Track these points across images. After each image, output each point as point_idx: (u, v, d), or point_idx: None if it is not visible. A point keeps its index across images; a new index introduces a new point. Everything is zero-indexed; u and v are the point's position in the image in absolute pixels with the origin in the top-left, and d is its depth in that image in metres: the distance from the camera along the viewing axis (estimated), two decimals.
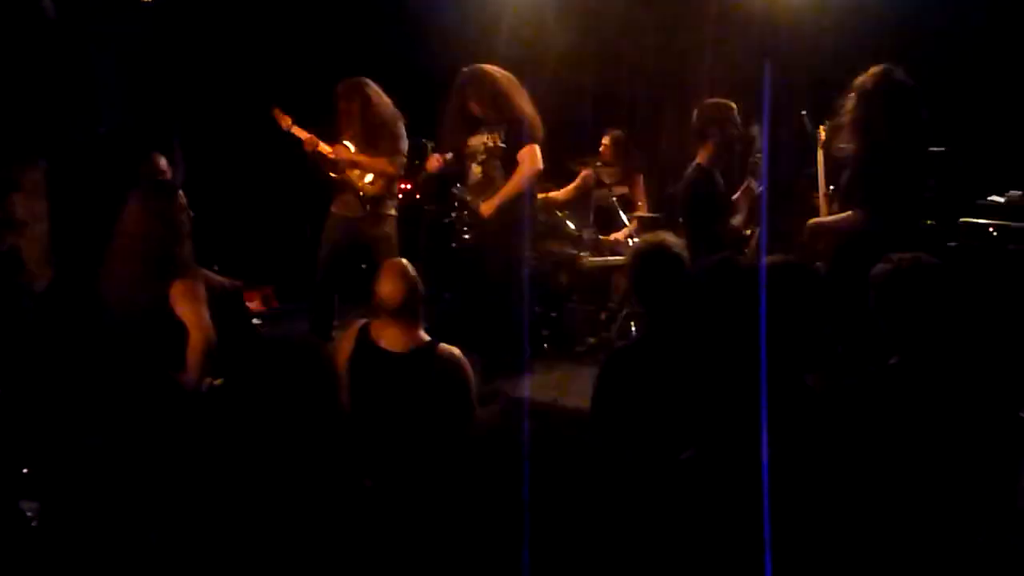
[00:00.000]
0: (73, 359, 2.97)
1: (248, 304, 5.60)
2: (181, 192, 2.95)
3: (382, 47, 6.63)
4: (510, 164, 4.55)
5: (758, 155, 4.48)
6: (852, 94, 3.64)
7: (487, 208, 4.55)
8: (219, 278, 4.06)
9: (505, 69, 4.66)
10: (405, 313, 2.78)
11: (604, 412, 2.44)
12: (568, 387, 4.72)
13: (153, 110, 5.32)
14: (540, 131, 4.57)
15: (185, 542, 1.88)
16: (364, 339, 2.80)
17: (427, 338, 2.86)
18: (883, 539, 2.20)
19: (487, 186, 4.59)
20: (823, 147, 4.16)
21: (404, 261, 2.93)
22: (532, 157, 4.53)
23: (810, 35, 5.84)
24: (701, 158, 4.24)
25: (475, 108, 4.57)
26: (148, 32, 5.18)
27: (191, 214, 2.94)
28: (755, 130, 4.41)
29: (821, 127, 4.25)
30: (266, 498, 1.78)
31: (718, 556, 1.29)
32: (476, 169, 4.65)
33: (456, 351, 2.86)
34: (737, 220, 4.36)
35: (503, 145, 4.54)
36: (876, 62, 5.44)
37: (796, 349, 2.00)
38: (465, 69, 4.61)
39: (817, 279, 2.23)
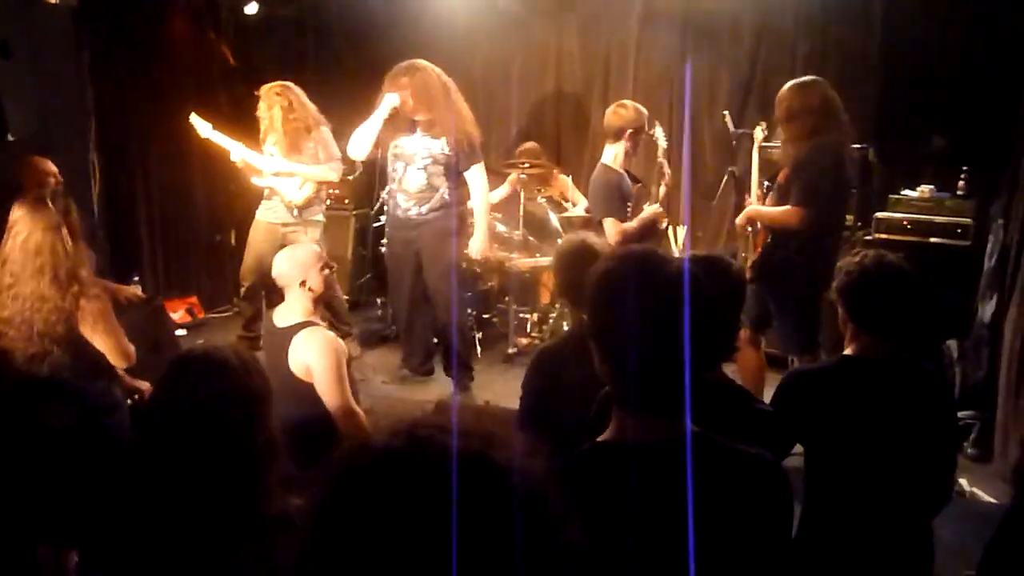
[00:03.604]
0: None
1: (172, 315, 5.46)
2: (70, 200, 2.74)
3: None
4: (453, 176, 4.44)
5: (660, 159, 4.59)
6: (790, 99, 3.75)
7: (483, 254, 4.65)
8: (129, 289, 3.91)
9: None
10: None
11: (531, 410, 2.45)
12: (499, 389, 4.72)
13: (68, 116, 5.13)
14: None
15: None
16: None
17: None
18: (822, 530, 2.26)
19: (430, 195, 4.45)
20: (759, 147, 4.27)
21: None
22: (483, 177, 4.54)
23: (731, 36, 5.97)
24: (608, 157, 4.33)
25: (413, 108, 4.34)
26: (63, 35, 4.99)
27: (84, 222, 2.73)
28: (657, 132, 4.52)
29: (758, 127, 4.37)
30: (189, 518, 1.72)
31: (640, 554, 1.29)
32: (415, 174, 4.44)
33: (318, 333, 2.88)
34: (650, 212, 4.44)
35: (450, 154, 4.41)
36: (791, 62, 5.70)
37: (715, 340, 2.03)
38: (404, 64, 4.39)
39: (736, 272, 2.27)
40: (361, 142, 4.43)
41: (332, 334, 2.92)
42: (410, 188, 4.46)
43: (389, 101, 4.33)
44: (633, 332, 1.31)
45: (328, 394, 2.77)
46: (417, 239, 4.53)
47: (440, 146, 4.42)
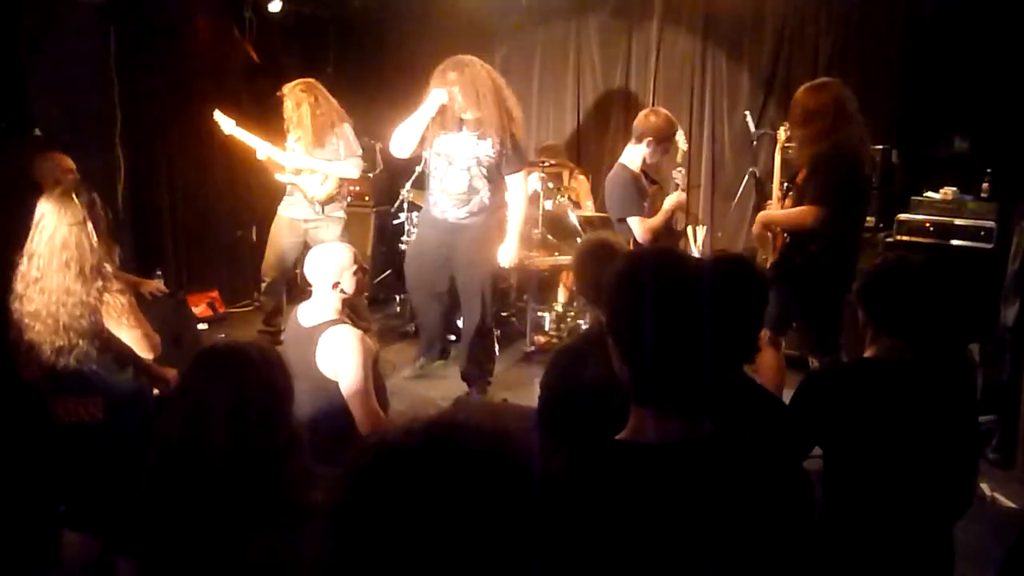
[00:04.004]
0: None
1: (194, 309, 5.51)
2: (95, 195, 2.76)
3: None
4: (495, 179, 4.33)
5: (679, 167, 4.59)
6: (804, 101, 3.73)
7: (510, 262, 4.50)
8: (152, 283, 3.95)
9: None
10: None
11: (549, 408, 2.46)
12: (517, 387, 4.73)
13: (95, 112, 5.20)
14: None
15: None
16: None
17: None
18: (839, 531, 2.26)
19: (471, 197, 4.31)
20: (782, 147, 4.27)
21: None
22: (524, 184, 4.43)
23: (752, 36, 5.95)
24: (627, 158, 4.33)
25: (463, 106, 4.16)
26: (91, 32, 5.06)
27: (109, 217, 2.75)
28: (679, 136, 4.52)
29: (782, 127, 4.35)
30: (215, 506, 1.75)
31: (657, 555, 1.30)
32: (457, 175, 4.28)
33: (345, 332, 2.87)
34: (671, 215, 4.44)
35: (494, 156, 4.25)
36: (814, 63, 5.67)
37: (737, 340, 2.03)
38: (453, 59, 4.20)
39: (759, 273, 2.27)
40: (405, 140, 4.27)
41: (361, 333, 2.90)
42: (451, 189, 4.30)
43: (437, 97, 4.15)
44: (651, 332, 1.31)
45: (352, 394, 2.78)
46: (452, 243, 4.40)
47: (486, 147, 4.24)
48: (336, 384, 2.80)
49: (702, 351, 1.29)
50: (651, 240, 4.19)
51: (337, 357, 2.80)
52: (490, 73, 4.24)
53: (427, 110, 4.19)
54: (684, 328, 1.31)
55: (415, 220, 5.43)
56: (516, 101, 4.36)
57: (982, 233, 4.65)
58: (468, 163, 4.27)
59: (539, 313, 5.63)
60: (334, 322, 2.89)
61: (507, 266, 4.57)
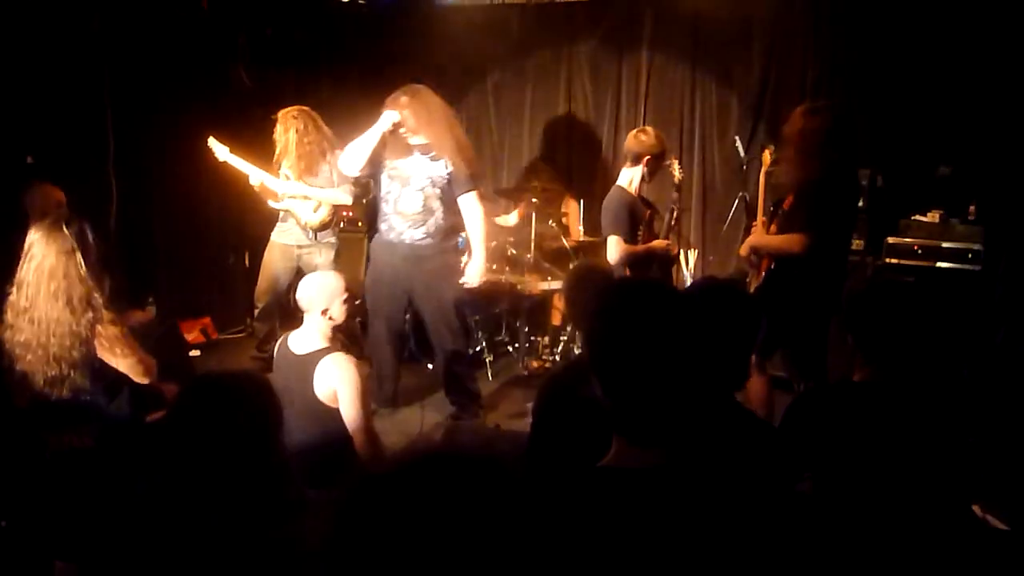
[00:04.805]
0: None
1: (186, 336, 5.51)
2: (86, 225, 2.76)
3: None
4: (448, 201, 4.38)
5: (674, 193, 4.65)
6: (800, 124, 3.74)
7: (478, 279, 4.48)
8: (138, 315, 3.96)
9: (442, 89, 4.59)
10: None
11: (541, 434, 2.46)
12: (511, 412, 4.73)
13: (87, 138, 5.22)
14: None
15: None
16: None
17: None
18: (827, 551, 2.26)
19: (426, 218, 4.35)
20: (767, 171, 4.28)
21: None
22: (478, 205, 4.45)
23: (740, 62, 6.03)
24: (624, 180, 4.38)
25: (412, 128, 4.26)
26: (80, 58, 5.09)
27: (100, 247, 2.76)
28: (675, 165, 4.58)
29: (767, 151, 4.36)
30: (200, 534, 1.75)
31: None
32: (411, 196, 4.32)
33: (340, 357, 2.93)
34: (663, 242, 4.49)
35: (448, 177, 4.34)
36: (801, 89, 5.74)
37: (727, 367, 2.05)
38: (406, 87, 4.33)
39: (749, 299, 2.29)
40: (355, 157, 4.32)
41: (355, 360, 2.96)
42: (407, 210, 4.34)
43: (389, 117, 4.24)
44: (624, 365, 1.34)
45: (352, 419, 2.84)
46: (410, 270, 4.40)
47: (439, 168, 4.32)
48: (331, 409, 2.85)
49: (679, 383, 1.31)
50: (623, 262, 4.21)
51: (336, 382, 2.85)
52: (440, 101, 4.36)
53: (379, 127, 4.26)
54: (659, 361, 1.33)
55: None
56: (463, 131, 4.53)
57: (969, 255, 4.69)
58: (422, 183, 4.33)
59: (532, 338, 5.64)
60: (328, 350, 2.93)
61: (474, 284, 4.54)
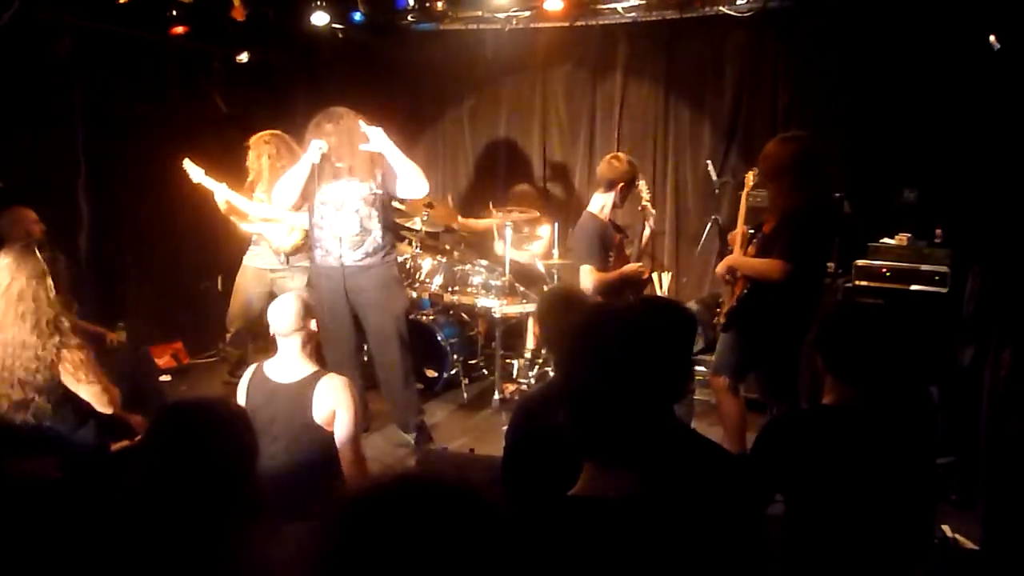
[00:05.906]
0: None
1: (157, 360, 5.45)
2: (57, 250, 2.76)
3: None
4: (383, 219, 4.40)
5: (644, 203, 4.70)
6: (775, 153, 3.80)
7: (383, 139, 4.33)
8: (112, 335, 3.93)
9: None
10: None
11: (515, 458, 2.46)
12: (485, 436, 4.72)
13: (59, 161, 5.18)
14: None
15: None
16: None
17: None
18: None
19: (364, 238, 4.35)
20: (747, 194, 4.31)
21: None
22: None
23: (712, 89, 6.12)
24: (595, 206, 4.42)
25: (340, 154, 4.29)
26: (54, 80, 5.07)
27: (72, 272, 2.76)
28: (640, 184, 4.64)
29: (751, 172, 4.37)
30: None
31: None
32: (347, 218, 4.32)
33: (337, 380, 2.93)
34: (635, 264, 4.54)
35: (379, 192, 4.35)
36: (772, 116, 5.83)
37: (668, 382, 2.07)
38: (327, 111, 4.36)
39: (685, 313, 2.34)
40: (288, 191, 4.35)
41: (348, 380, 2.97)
42: (344, 233, 4.34)
43: (317, 146, 4.26)
44: (588, 396, 1.39)
45: (346, 441, 2.84)
46: (353, 289, 4.39)
47: (368, 188, 4.34)
48: (324, 433, 2.85)
49: (629, 403, 1.35)
50: (598, 290, 4.24)
51: (337, 404, 2.85)
52: (361, 122, 4.33)
53: (308, 158, 4.29)
54: (608, 383, 1.37)
55: None
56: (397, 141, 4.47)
57: (936, 277, 4.75)
58: (356, 205, 4.35)
59: (507, 361, 5.64)
60: (320, 373, 2.94)
61: (377, 143, 4.32)
